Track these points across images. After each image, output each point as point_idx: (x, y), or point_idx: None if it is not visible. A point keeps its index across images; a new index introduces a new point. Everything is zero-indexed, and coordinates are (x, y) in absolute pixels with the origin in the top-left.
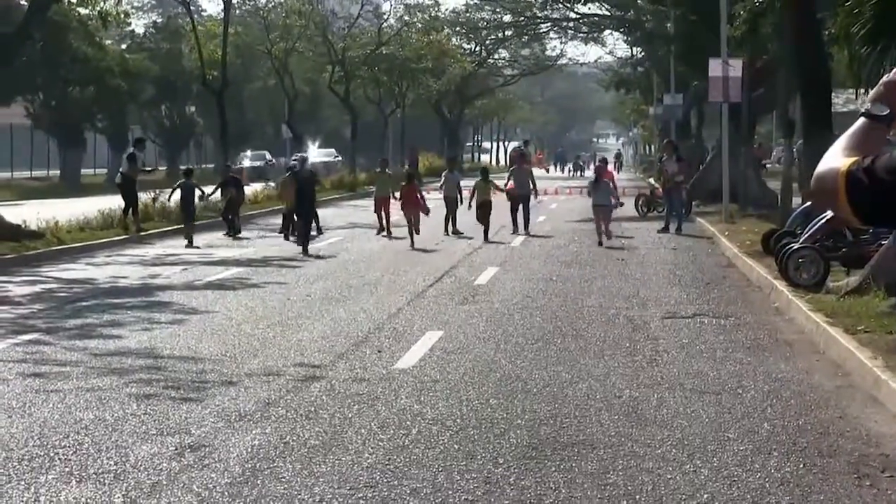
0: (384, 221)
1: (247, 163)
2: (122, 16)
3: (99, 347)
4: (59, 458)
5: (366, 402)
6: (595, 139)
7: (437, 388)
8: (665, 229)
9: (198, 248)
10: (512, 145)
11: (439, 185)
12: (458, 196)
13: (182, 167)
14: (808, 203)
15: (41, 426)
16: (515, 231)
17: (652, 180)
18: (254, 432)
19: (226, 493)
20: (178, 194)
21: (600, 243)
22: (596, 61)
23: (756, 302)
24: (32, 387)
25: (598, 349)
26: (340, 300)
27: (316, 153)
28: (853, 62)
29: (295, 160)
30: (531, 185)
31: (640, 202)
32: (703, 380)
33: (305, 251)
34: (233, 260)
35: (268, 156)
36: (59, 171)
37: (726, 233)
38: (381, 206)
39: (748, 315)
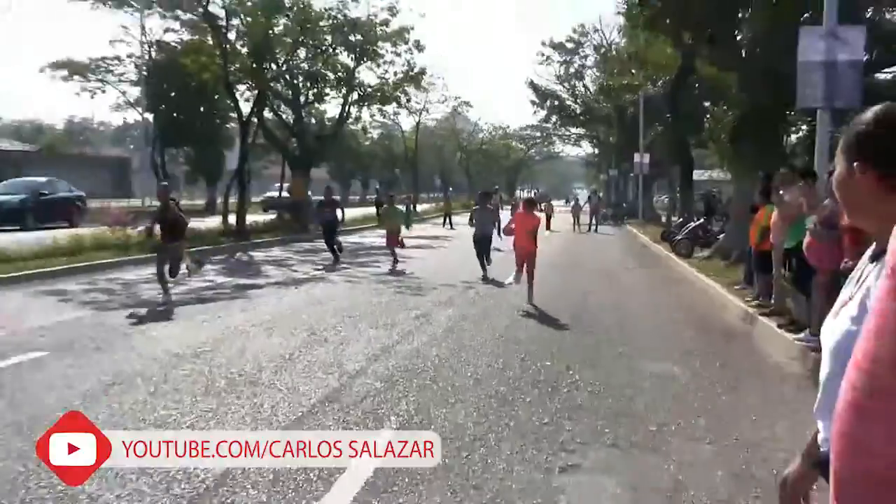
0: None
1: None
2: (369, 130)
3: (370, 273)
4: (370, 313)
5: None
6: (573, 189)
7: None
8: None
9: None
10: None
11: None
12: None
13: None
14: None
15: (351, 301)
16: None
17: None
18: (449, 311)
19: (438, 336)
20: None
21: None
22: (577, 155)
23: None
24: (342, 284)
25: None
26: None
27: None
28: None
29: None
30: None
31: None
32: None
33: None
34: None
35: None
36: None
37: None
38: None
39: None
